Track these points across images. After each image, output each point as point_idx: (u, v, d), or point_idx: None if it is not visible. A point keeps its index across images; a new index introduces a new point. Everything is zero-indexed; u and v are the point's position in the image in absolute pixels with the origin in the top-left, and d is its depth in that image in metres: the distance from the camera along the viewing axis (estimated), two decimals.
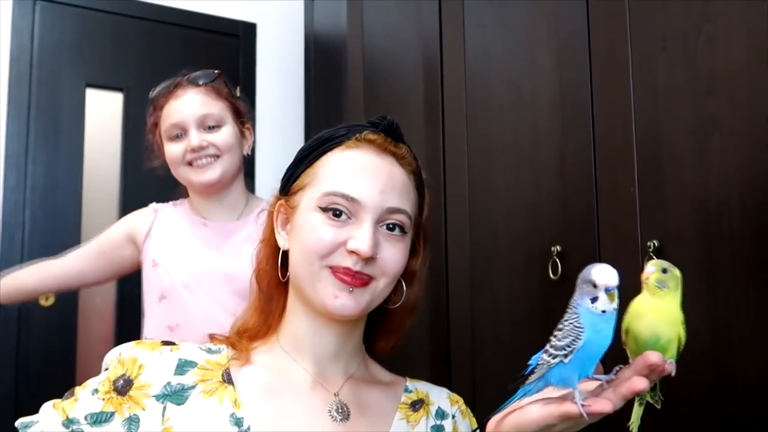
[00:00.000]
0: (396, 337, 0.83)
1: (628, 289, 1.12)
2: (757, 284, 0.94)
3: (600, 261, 1.14)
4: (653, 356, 0.57)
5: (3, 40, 2.28)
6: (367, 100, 1.94)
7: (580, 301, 0.61)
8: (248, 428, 0.70)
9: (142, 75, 2.52)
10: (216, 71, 1.47)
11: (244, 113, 1.49)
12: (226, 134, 1.41)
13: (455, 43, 1.56)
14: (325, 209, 0.73)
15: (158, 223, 1.46)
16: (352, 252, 0.71)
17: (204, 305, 1.37)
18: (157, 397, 0.70)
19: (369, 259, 0.72)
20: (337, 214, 0.73)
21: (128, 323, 2.21)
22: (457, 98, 1.55)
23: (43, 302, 2.29)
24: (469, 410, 0.83)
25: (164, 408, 0.70)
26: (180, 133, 1.40)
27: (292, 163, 0.80)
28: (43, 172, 2.35)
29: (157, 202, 1.53)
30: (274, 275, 0.79)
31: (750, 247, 0.95)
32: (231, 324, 0.83)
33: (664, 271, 0.63)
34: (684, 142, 1.04)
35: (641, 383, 0.56)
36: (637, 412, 0.65)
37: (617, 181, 1.14)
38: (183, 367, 0.73)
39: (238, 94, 2.51)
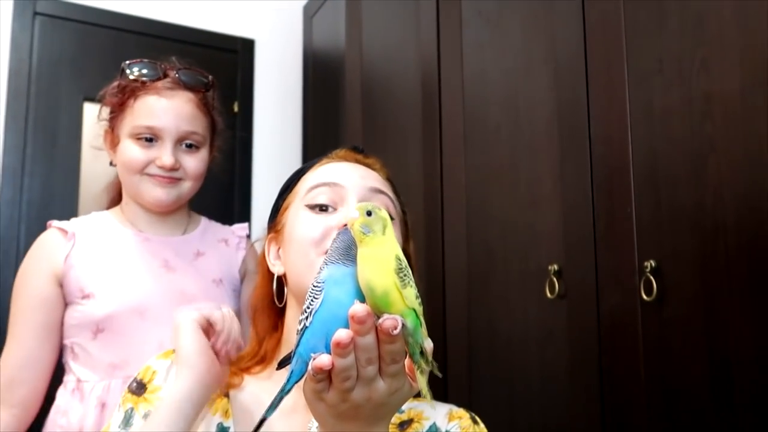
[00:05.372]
0: None
1: (626, 309, 1.11)
2: (754, 304, 0.94)
3: (598, 281, 1.15)
4: (354, 307, 0.53)
5: (2, 53, 2.29)
6: (365, 118, 1.95)
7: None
8: None
9: None
10: (210, 76, 1.29)
11: (219, 133, 1.32)
12: (200, 160, 1.23)
13: (453, 63, 1.58)
14: (311, 207, 0.77)
15: (79, 246, 1.19)
16: None
17: (158, 331, 1.13)
18: None
19: None
20: (323, 208, 0.76)
21: None
22: (454, 117, 1.56)
23: None
24: (476, 425, 0.81)
25: None
26: (151, 137, 1.19)
27: (275, 201, 0.85)
28: (40, 186, 2.34)
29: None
30: (270, 314, 0.83)
31: (746, 268, 0.96)
32: None
33: (369, 213, 0.56)
34: (680, 163, 1.05)
35: (341, 334, 0.53)
36: (420, 380, 0.59)
37: (614, 201, 1.15)
38: None
39: (236, 110, 2.56)
